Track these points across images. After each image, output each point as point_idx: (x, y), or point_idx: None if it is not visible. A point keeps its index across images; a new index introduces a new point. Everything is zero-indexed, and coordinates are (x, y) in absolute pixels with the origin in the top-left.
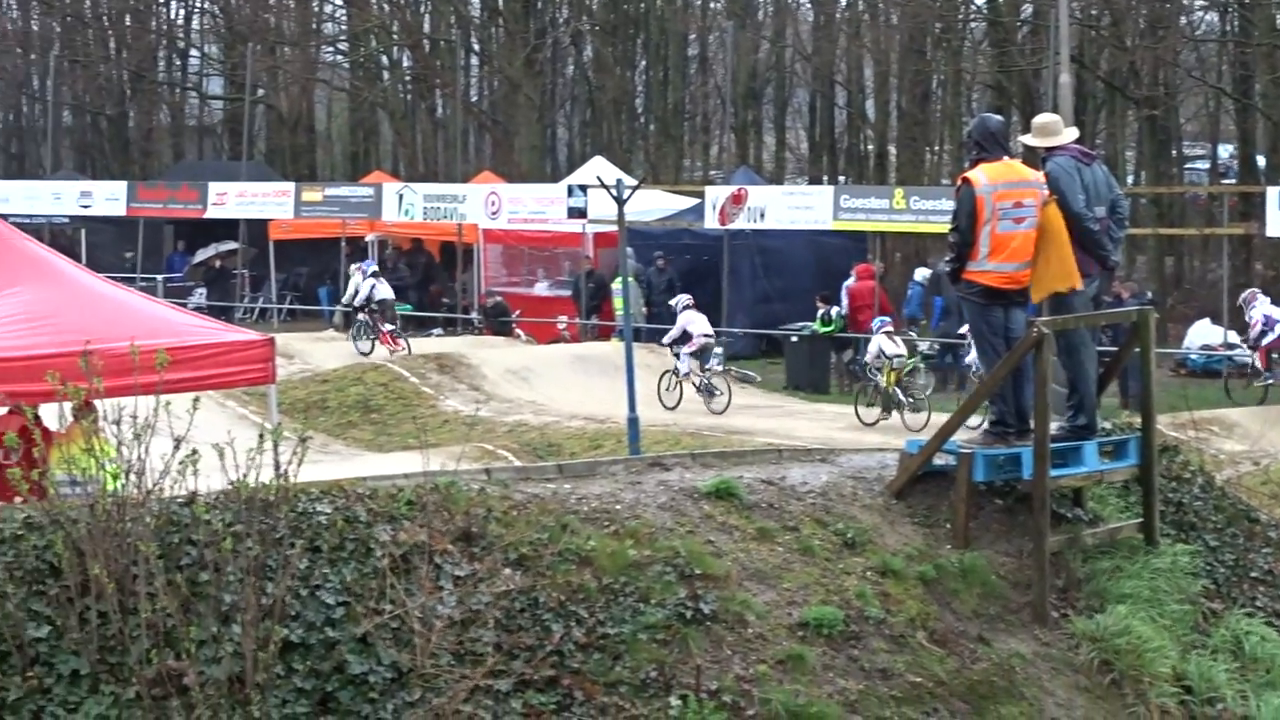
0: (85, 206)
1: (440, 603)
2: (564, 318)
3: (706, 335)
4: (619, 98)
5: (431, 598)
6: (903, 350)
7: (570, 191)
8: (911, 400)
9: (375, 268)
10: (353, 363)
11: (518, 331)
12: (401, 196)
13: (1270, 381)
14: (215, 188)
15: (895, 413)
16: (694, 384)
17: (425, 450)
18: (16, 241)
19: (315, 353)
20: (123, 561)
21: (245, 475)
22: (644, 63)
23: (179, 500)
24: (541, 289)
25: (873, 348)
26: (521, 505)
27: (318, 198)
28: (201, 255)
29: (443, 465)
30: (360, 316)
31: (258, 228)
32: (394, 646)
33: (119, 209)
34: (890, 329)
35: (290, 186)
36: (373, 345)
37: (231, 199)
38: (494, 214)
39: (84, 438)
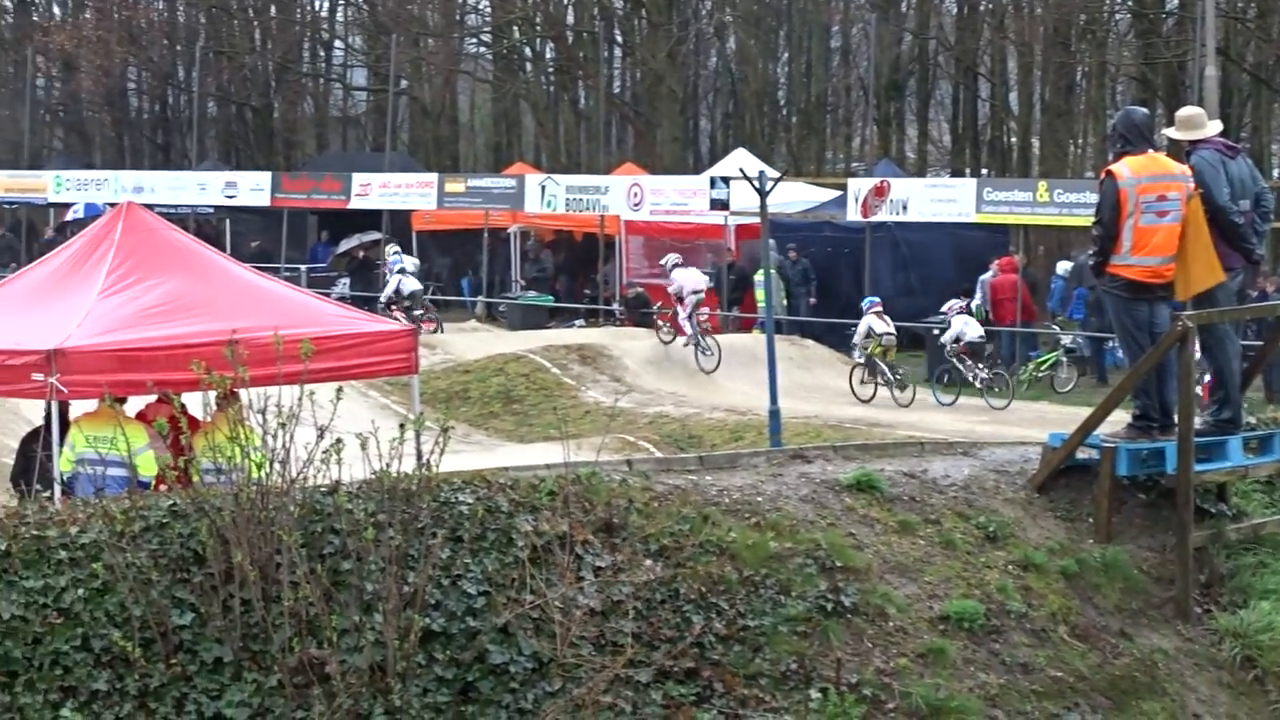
0: (230, 197)
1: (581, 593)
2: (705, 309)
3: (696, 291)
4: (761, 89)
5: (572, 588)
6: (891, 329)
7: (712, 183)
8: (898, 378)
9: (402, 264)
10: (495, 353)
11: (659, 323)
12: (544, 188)
13: None
14: (359, 179)
15: (888, 390)
16: (688, 343)
17: (567, 441)
18: (163, 232)
19: (457, 343)
20: (266, 550)
21: (388, 465)
22: (787, 54)
23: (322, 489)
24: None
25: (862, 327)
26: (663, 496)
27: (460, 189)
28: (345, 245)
29: (584, 456)
30: (394, 313)
31: (401, 218)
32: (534, 636)
33: (263, 199)
34: (879, 309)
35: (433, 178)
36: None
37: (375, 190)
38: (636, 205)
39: (229, 426)
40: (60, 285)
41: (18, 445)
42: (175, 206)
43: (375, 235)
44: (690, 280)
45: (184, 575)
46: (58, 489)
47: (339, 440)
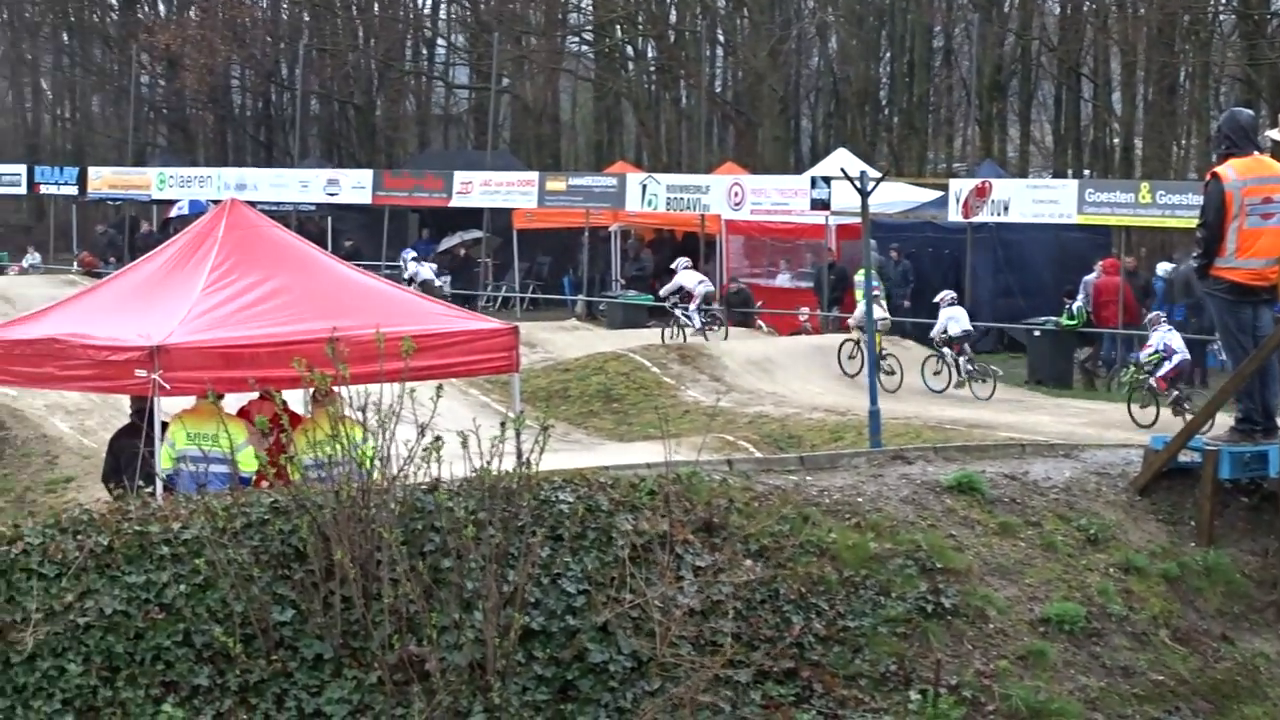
0: (332, 194)
1: (680, 593)
2: (805, 309)
3: (703, 283)
4: (863, 89)
5: (672, 587)
6: (886, 315)
7: (814, 183)
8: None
9: (413, 254)
10: (595, 352)
11: (759, 323)
12: (645, 187)
13: None
14: (460, 177)
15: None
16: (695, 332)
17: (667, 440)
18: (266, 229)
19: (557, 342)
20: (367, 547)
21: (488, 463)
22: (889, 54)
23: (423, 487)
24: (783, 280)
25: (858, 312)
26: (763, 496)
27: (561, 187)
28: (446, 244)
29: (684, 456)
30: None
31: (502, 217)
32: (634, 635)
33: (365, 197)
34: (878, 289)
35: (534, 176)
36: None
37: (476, 188)
38: (737, 205)
39: (329, 423)
40: (164, 282)
41: (108, 443)
42: (277, 204)
43: (476, 234)
44: (693, 278)
45: (285, 572)
46: (159, 484)
47: (439, 438)
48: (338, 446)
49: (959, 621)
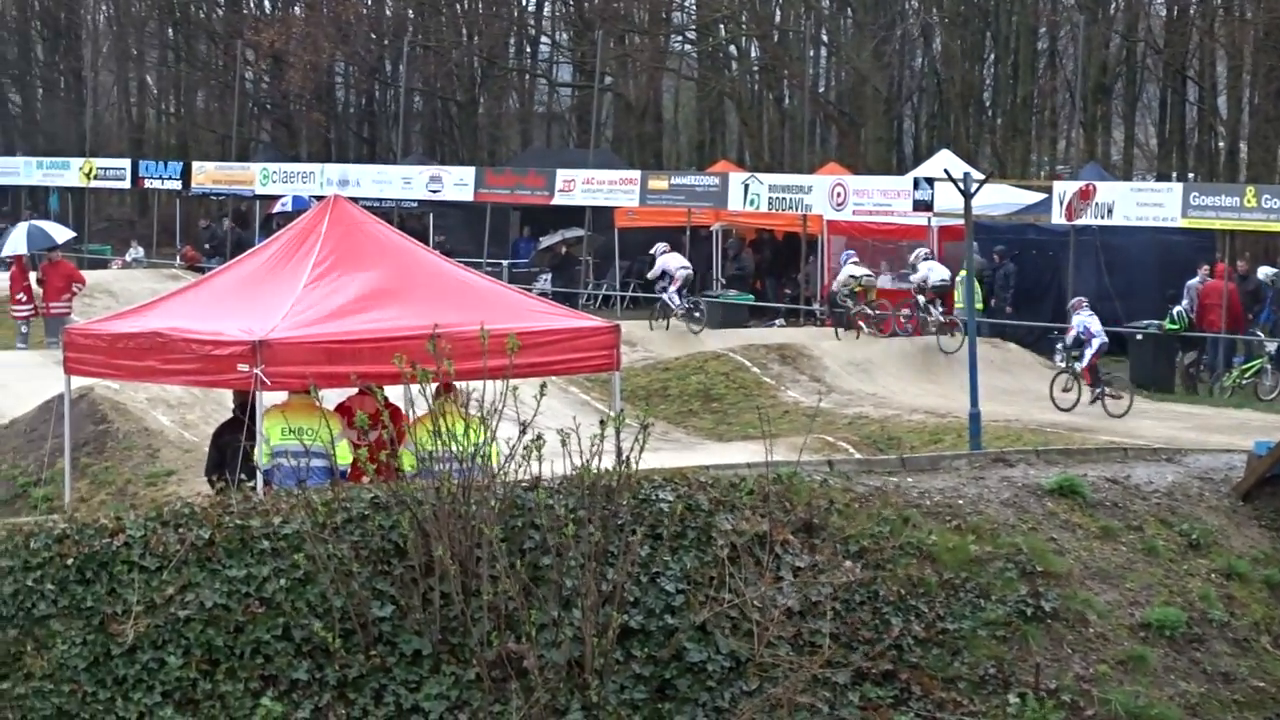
0: (434, 191)
1: (779, 593)
2: (907, 311)
3: (684, 268)
4: (967, 91)
5: (771, 588)
6: (870, 271)
7: (916, 184)
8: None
9: None
10: (695, 352)
11: (859, 324)
12: (747, 186)
13: None
14: (562, 175)
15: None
16: (679, 313)
17: (768, 440)
18: (369, 225)
19: (656, 341)
20: (466, 544)
21: (588, 461)
22: (993, 56)
23: (523, 485)
24: (884, 281)
25: (842, 276)
26: (863, 498)
27: (664, 186)
28: (547, 241)
29: (783, 456)
30: None
31: (603, 215)
32: (732, 635)
33: (467, 194)
34: (856, 259)
35: (637, 175)
36: None
37: (578, 186)
38: (839, 205)
39: (447, 418)
40: (267, 277)
41: (211, 437)
42: (379, 200)
43: (578, 232)
44: (674, 261)
45: (384, 567)
46: (259, 478)
47: (540, 436)
48: (453, 443)
49: (1059, 625)
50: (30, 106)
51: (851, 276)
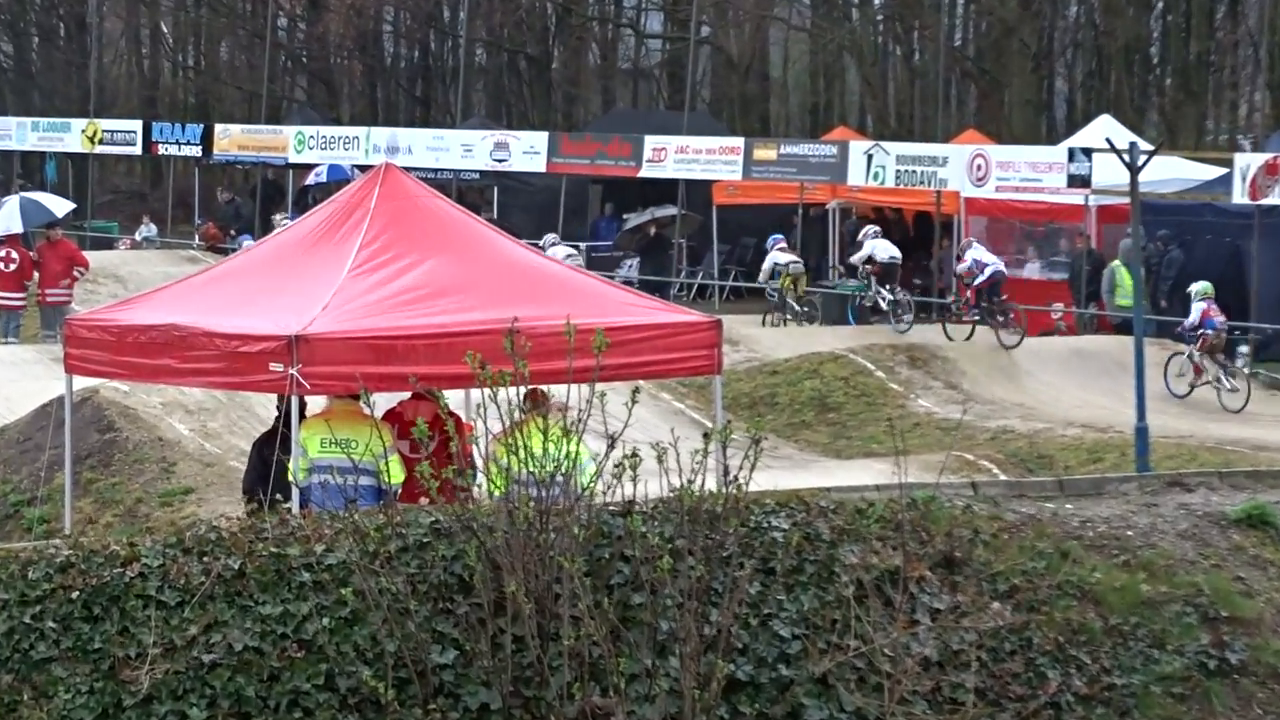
0: (500, 160)
1: (914, 640)
2: (1059, 305)
3: (893, 258)
4: (1130, 45)
5: (904, 633)
6: (796, 258)
7: (1071, 155)
8: (806, 310)
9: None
10: (808, 352)
11: (1012, 324)
12: (870, 157)
13: None
14: (651, 142)
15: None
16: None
17: (900, 457)
18: (426, 200)
19: (763, 338)
20: (544, 578)
21: (689, 482)
22: (1160, 4)
23: (612, 509)
24: (1033, 270)
25: (767, 264)
26: (1013, 527)
27: (771, 156)
28: (634, 221)
29: (915, 477)
30: None
31: (700, 190)
32: (858, 689)
33: (539, 164)
34: (784, 245)
35: (739, 143)
36: None
37: (670, 156)
38: (979, 180)
39: (530, 429)
40: (305, 260)
41: (251, 448)
42: (435, 171)
43: (670, 209)
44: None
45: (446, 605)
46: (296, 497)
47: (635, 452)
48: (545, 457)
49: (1247, 681)
50: (24, 58)
51: (776, 264)
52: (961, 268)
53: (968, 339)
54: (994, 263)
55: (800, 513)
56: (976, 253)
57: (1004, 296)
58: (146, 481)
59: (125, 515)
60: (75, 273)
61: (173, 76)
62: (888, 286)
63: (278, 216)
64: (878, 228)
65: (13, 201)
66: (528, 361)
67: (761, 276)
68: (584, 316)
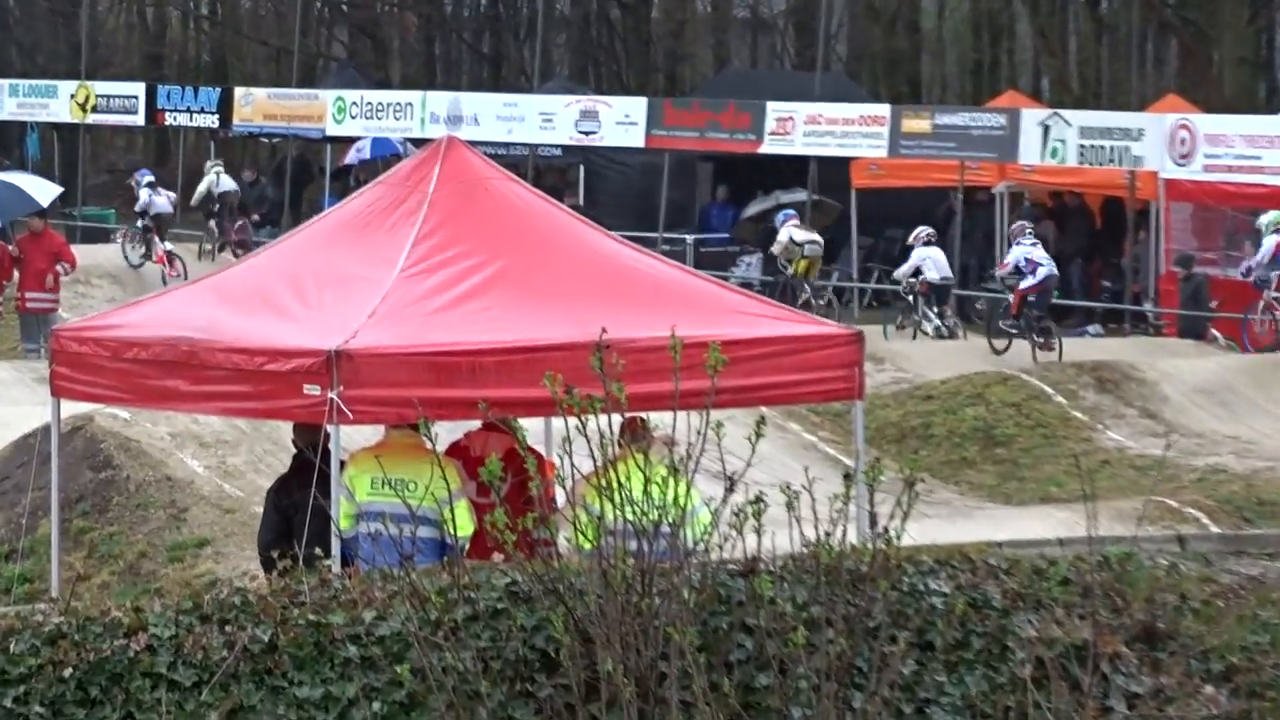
0: (588, 133)
1: None
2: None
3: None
4: None
5: None
6: (815, 237)
7: None
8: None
9: (151, 178)
10: (969, 371)
11: (1213, 332)
12: (1047, 129)
13: None
14: (774, 110)
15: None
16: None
17: (1086, 504)
18: (496, 183)
19: (913, 354)
20: (647, 654)
21: (826, 534)
22: None
23: (730, 568)
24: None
25: (783, 237)
26: (1230, 591)
27: (924, 128)
28: (755, 208)
29: (1106, 529)
30: (139, 224)
31: (835, 169)
32: None
33: (635, 138)
34: (797, 220)
35: (885, 111)
36: (144, 261)
37: (799, 127)
38: (1183, 157)
39: (626, 468)
40: (346, 257)
41: (265, 497)
42: (508, 146)
43: (799, 194)
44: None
45: (526, 687)
46: (338, 551)
47: (759, 498)
48: (663, 505)
49: None
50: (2, 7)
51: (793, 242)
52: (1005, 269)
53: (1001, 353)
54: (1047, 264)
55: (964, 573)
56: (1027, 249)
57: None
58: (152, 531)
59: (126, 573)
60: (59, 270)
61: (183, 29)
62: (936, 309)
63: (209, 164)
64: (931, 231)
65: None
66: (624, 383)
67: (775, 248)
68: (693, 328)
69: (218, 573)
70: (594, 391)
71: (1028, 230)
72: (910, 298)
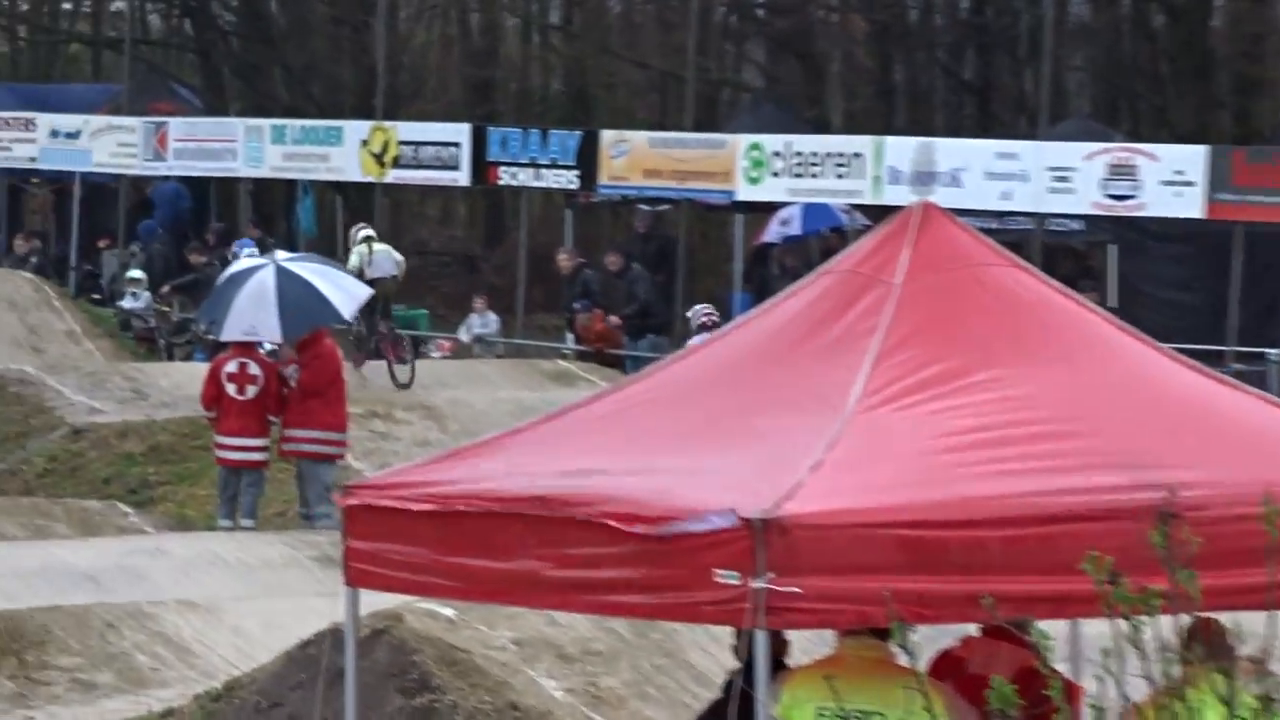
0: (1120, 198)
1: None
2: None
3: None
4: None
5: None
6: None
7: None
8: None
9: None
10: None
11: None
12: None
13: None
14: None
15: None
16: None
17: None
18: (995, 271)
19: None
20: None
21: None
22: None
23: None
24: None
25: None
26: None
27: None
28: None
29: None
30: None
31: None
32: None
33: (1191, 204)
34: None
35: None
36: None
37: None
38: None
39: (1216, 699)
40: (779, 380)
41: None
42: (1002, 216)
43: None
44: None
45: None
46: None
47: None
48: None
49: None
50: (259, 22)
51: None
52: None
53: None
54: None
55: None
56: None
57: None
58: None
59: None
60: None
61: (522, 45)
62: None
63: (356, 230)
64: None
65: (265, 278)
66: (1196, 570)
67: None
68: None
69: None
70: (1156, 582)
71: None
72: None
